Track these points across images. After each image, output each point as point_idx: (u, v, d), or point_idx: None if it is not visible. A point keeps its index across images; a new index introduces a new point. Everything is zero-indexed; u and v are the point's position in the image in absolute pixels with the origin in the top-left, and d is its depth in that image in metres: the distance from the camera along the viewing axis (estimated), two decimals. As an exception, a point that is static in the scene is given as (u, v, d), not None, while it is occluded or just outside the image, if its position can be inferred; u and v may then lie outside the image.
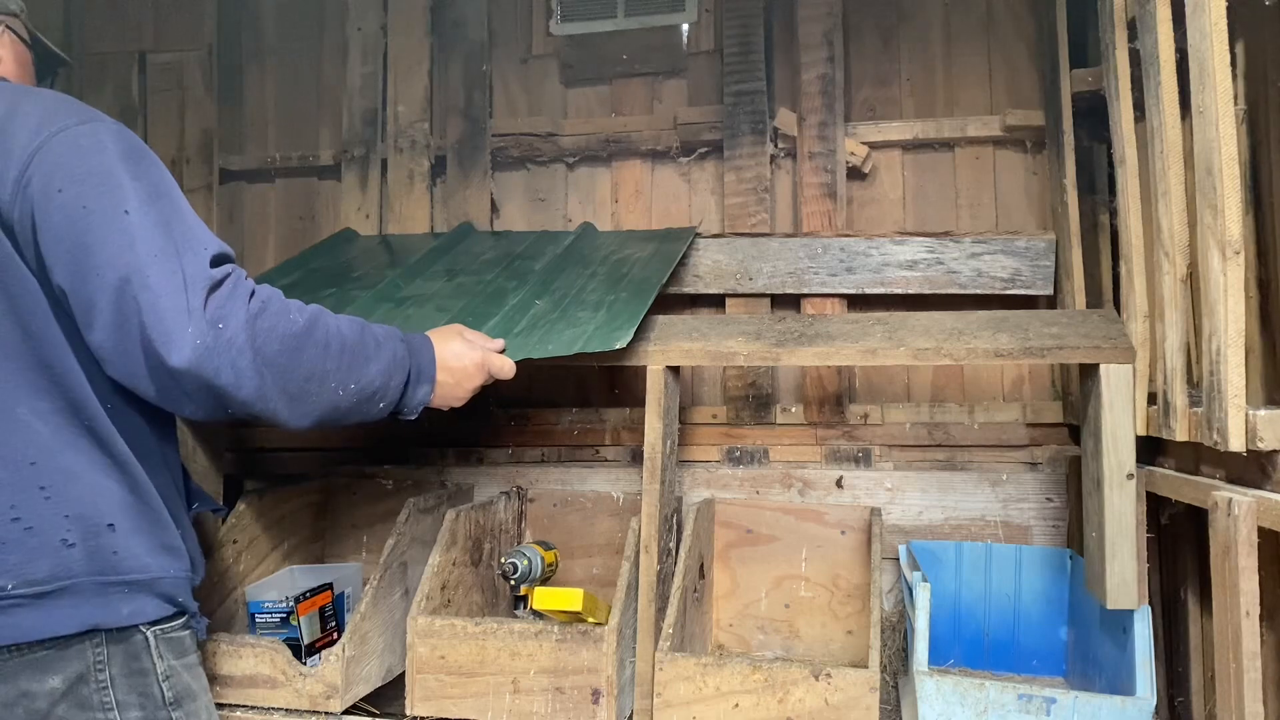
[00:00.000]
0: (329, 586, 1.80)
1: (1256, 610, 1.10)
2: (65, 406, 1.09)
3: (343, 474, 2.09)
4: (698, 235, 2.04)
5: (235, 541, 1.74)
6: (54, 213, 1.04)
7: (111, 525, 1.10)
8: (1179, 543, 1.59)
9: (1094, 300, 1.84)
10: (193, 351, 1.03)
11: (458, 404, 1.40)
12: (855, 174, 2.06)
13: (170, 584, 1.16)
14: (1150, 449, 1.53)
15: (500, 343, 1.47)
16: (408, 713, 1.50)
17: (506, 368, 1.44)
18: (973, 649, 1.76)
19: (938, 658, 1.71)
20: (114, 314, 1.03)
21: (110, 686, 1.10)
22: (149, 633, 1.13)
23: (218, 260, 1.09)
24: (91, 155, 1.07)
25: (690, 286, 2.04)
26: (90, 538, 1.09)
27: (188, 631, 1.20)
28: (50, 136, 1.07)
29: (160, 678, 1.14)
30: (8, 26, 1.29)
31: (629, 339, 1.48)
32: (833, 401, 2.00)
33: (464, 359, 1.37)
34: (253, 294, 1.10)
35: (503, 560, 1.63)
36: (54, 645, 1.07)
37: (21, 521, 1.07)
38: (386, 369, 1.25)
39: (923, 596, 1.46)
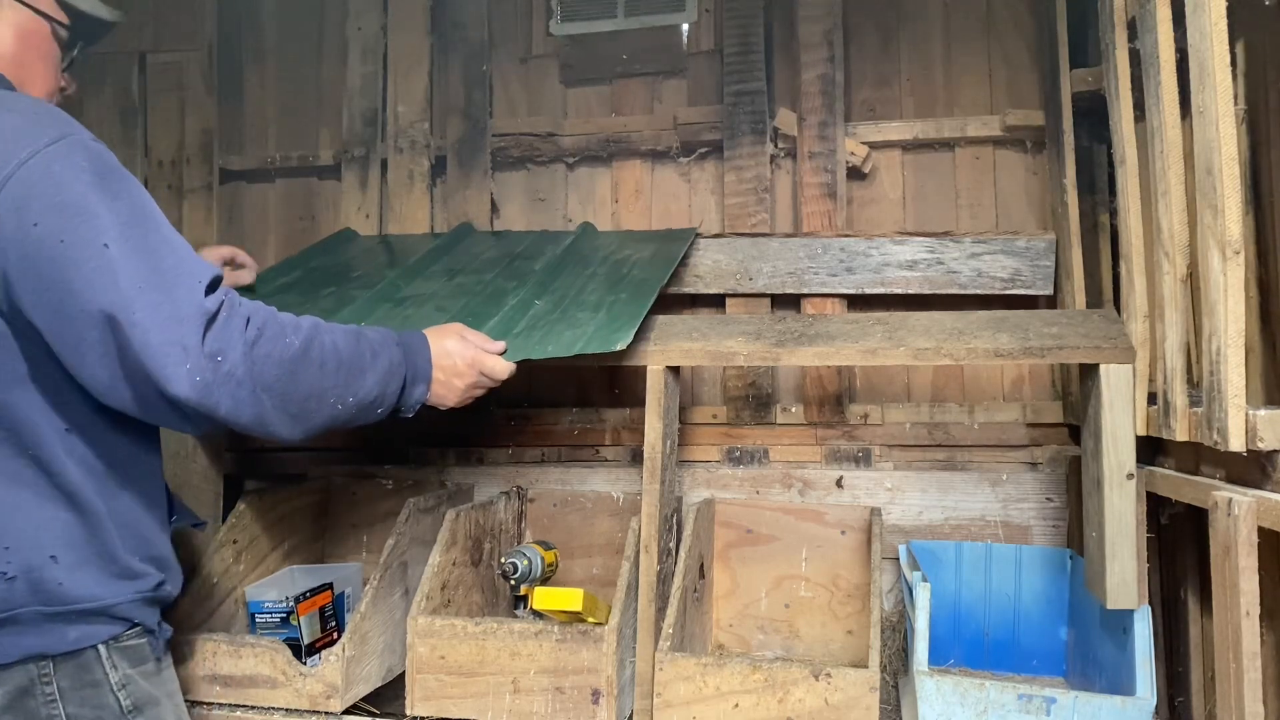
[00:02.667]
0: (329, 586, 1.80)
1: (1256, 610, 1.10)
2: (7, 437, 1.07)
3: (343, 474, 2.09)
4: (698, 235, 2.04)
5: (235, 541, 1.74)
6: (30, 249, 1.01)
7: (54, 558, 1.08)
8: (1179, 543, 1.59)
9: (1094, 300, 1.84)
10: (192, 387, 1.01)
11: (453, 402, 1.39)
12: (855, 174, 2.06)
13: (126, 608, 1.13)
14: (1150, 449, 1.53)
15: (500, 345, 1.46)
16: (408, 713, 1.50)
17: (500, 368, 1.42)
18: (973, 649, 1.76)
19: (938, 658, 1.70)
20: (103, 351, 1.01)
21: (59, 699, 1.07)
22: (100, 646, 1.11)
23: (210, 287, 1.06)
24: (66, 182, 1.03)
25: (690, 286, 2.04)
26: (33, 570, 1.07)
27: (146, 639, 1.17)
28: (20, 165, 1.02)
29: (115, 687, 1.11)
30: None
31: (629, 341, 1.48)
32: (833, 401, 2.00)
33: (454, 357, 1.37)
34: (248, 320, 1.08)
35: (503, 560, 1.63)
36: None
37: None
38: (383, 378, 1.24)
39: (923, 596, 1.46)
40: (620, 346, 1.47)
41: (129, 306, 1.00)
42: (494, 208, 2.25)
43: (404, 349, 1.30)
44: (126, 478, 1.16)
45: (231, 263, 1.79)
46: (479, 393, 1.43)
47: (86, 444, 1.11)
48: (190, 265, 1.07)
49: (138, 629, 1.16)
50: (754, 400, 2.03)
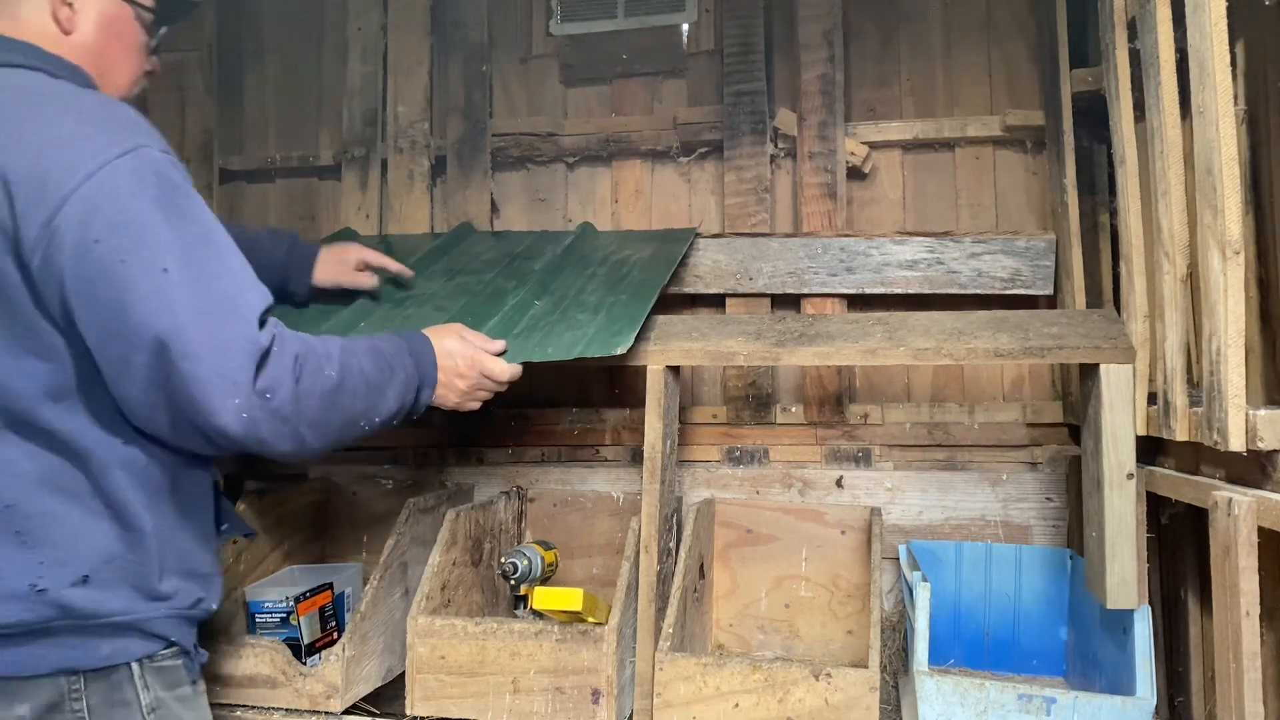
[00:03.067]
0: (329, 586, 1.80)
1: (1256, 610, 1.10)
2: (63, 450, 1.05)
3: (343, 474, 2.08)
4: (698, 235, 2.04)
5: (235, 541, 1.74)
6: (89, 266, 0.99)
7: (87, 577, 1.05)
8: (1179, 543, 1.59)
9: (1094, 300, 1.84)
10: (239, 423, 1.02)
11: (454, 402, 1.39)
12: (855, 174, 2.06)
13: (163, 624, 1.10)
14: (1150, 449, 1.53)
15: (500, 344, 1.46)
16: (408, 713, 1.50)
17: (499, 369, 1.42)
18: (973, 649, 1.76)
19: (938, 658, 1.70)
20: (148, 375, 1.00)
21: (88, 717, 1.05)
22: (133, 664, 1.08)
23: (263, 319, 1.06)
24: (131, 199, 1.01)
25: (690, 286, 2.04)
26: (68, 585, 1.04)
27: (182, 660, 1.14)
28: (87, 178, 1.00)
29: (145, 710, 1.08)
30: None
31: (629, 344, 1.48)
32: (833, 401, 2.00)
33: (455, 357, 1.37)
34: (295, 357, 1.08)
35: (503, 560, 1.63)
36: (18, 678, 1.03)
37: None
38: (401, 391, 1.25)
39: (923, 596, 1.46)
40: (620, 350, 1.47)
41: (183, 335, 0.99)
42: (494, 208, 2.25)
43: (415, 358, 1.30)
44: (177, 491, 1.14)
45: (375, 269, 1.78)
46: (483, 395, 1.43)
47: (147, 458, 1.09)
48: (247, 296, 1.06)
49: (174, 648, 1.13)
50: (754, 400, 2.03)
